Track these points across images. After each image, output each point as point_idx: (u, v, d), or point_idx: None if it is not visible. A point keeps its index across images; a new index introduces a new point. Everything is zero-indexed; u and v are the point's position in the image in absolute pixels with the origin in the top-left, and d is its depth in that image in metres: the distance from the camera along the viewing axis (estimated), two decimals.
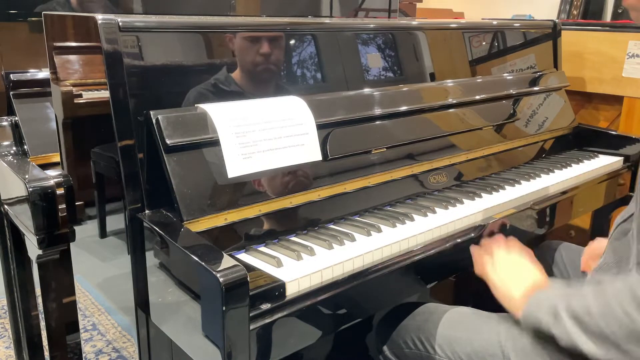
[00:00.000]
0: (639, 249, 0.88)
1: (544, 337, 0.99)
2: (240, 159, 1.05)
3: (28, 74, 1.55)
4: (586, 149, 1.87)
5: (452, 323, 1.14)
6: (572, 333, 0.89)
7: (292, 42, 1.25)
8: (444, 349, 1.11)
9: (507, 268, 1.10)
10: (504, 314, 1.13)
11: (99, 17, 0.97)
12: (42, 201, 1.10)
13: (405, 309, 1.22)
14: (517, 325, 1.07)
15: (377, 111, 1.32)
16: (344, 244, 1.07)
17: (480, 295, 1.14)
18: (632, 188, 1.76)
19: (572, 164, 1.69)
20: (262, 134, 1.09)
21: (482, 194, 1.37)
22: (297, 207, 1.13)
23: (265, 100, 1.14)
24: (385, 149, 1.31)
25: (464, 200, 1.32)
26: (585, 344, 0.87)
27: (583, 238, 1.97)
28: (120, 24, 0.98)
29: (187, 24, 1.09)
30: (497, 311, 1.15)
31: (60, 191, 1.13)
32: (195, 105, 1.07)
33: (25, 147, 1.40)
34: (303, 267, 0.97)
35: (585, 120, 2.06)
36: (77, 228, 1.20)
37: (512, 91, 1.71)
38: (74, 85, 1.23)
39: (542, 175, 1.56)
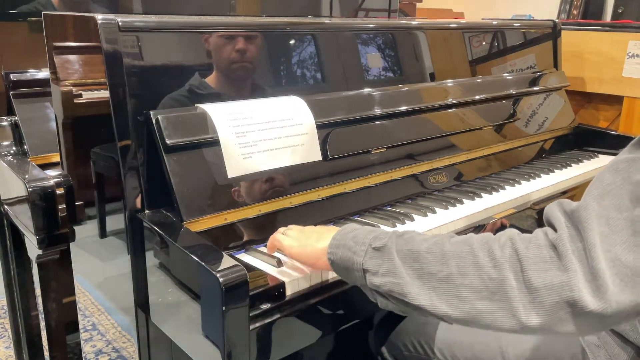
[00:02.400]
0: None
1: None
2: (240, 159, 1.05)
3: (28, 74, 1.54)
4: (586, 149, 1.87)
5: (452, 326, 1.13)
6: (399, 269, 0.75)
7: (292, 42, 1.25)
8: (444, 352, 1.11)
9: (302, 233, 0.96)
10: None
11: (99, 17, 0.97)
12: (42, 201, 1.10)
13: None
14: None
15: (377, 111, 1.32)
16: None
17: None
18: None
19: (572, 164, 1.69)
20: (262, 134, 1.09)
21: (482, 194, 1.37)
22: (297, 207, 1.13)
23: (265, 100, 1.14)
24: (385, 149, 1.31)
25: (464, 200, 1.32)
26: (413, 286, 0.73)
27: None
28: (120, 24, 0.98)
29: (187, 24, 1.09)
30: None
31: (60, 191, 1.13)
32: (195, 105, 1.07)
33: (25, 147, 1.40)
34: (303, 267, 0.97)
35: (585, 120, 2.06)
36: (77, 228, 1.20)
37: (512, 91, 1.71)
38: (74, 85, 1.23)
39: (542, 175, 1.56)
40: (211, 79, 1.12)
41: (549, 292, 0.62)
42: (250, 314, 0.84)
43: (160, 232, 0.93)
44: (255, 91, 1.18)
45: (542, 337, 1.04)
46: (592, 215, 0.64)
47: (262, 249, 1.05)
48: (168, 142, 0.98)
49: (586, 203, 0.66)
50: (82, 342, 1.80)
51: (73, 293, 1.28)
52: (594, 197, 0.66)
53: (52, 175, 1.15)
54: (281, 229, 1.01)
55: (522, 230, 0.90)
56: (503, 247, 0.68)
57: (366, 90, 1.35)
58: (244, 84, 1.17)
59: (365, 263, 0.78)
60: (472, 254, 0.69)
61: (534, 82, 1.81)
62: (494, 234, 0.73)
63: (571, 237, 0.64)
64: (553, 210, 0.70)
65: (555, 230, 0.67)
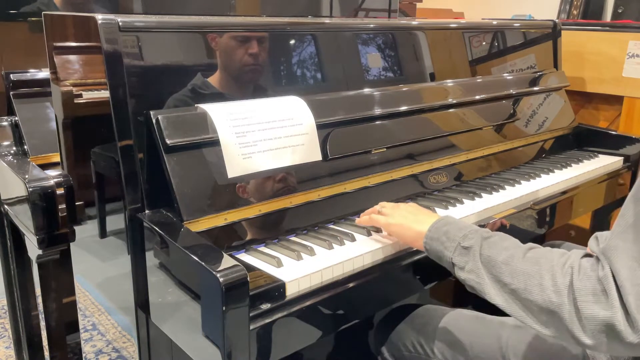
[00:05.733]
0: (613, 234, 0.79)
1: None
2: (240, 159, 1.05)
3: (28, 74, 1.54)
4: (586, 149, 1.87)
5: (452, 326, 1.13)
6: (481, 271, 0.87)
7: (292, 42, 1.25)
8: (444, 352, 1.11)
9: (401, 212, 1.07)
10: (505, 318, 1.13)
11: (99, 17, 0.97)
12: (42, 201, 1.10)
13: (405, 311, 1.22)
14: (519, 330, 1.07)
15: (377, 111, 1.32)
16: (344, 244, 1.07)
17: (480, 296, 1.14)
18: (632, 188, 1.76)
19: (572, 164, 1.69)
20: (262, 134, 1.09)
21: (482, 194, 1.37)
22: (297, 207, 1.13)
23: (265, 100, 1.14)
24: (385, 149, 1.31)
25: (464, 200, 1.32)
26: (491, 288, 0.85)
27: (583, 238, 1.96)
28: (120, 24, 0.98)
29: (187, 24, 1.09)
30: (497, 314, 1.15)
31: (60, 191, 1.13)
32: (195, 105, 1.07)
33: (25, 147, 1.40)
34: (303, 267, 0.97)
35: (585, 120, 2.06)
36: (77, 228, 1.20)
37: (512, 91, 1.71)
38: (74, 85, 1.23)
39: (542, 175, 1.56)
40: (213, 79, 1.12)
41: (595, 322, 0.73)
42: (250, 314, 0.84)
43: (161, 232, 0.93)
44: (255, 91, 1.18)
45: (542, 338, 1.04)
46: (618, 253, 0.73)
47: (262, 248, 1.05)
48: (168, 142, 0.98)
49: (612, 242, 0.75)
50: (82, 342, 1.80)
51: (73, 293, 1.28)
52: (617, 234, 0.75)
53: (52, 175, 1.15)
54: (376, 207, 1.12)
55: (523, 230, 0.90)
56: (564, 275, 0.77)
57: (366, 90, 1.35)
58: (245, 84, 1.17)
59: (454, 258, 0.92)
60: (539, 276, 0.79)
61: (534, 82, 1.81)
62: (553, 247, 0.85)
63: (607, 275, 0.73)
64: (592, 244, 0.80)
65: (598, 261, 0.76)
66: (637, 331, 0.70)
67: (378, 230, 1.12)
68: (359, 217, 1.22)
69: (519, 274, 0.81)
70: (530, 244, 0.88)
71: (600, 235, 0.80)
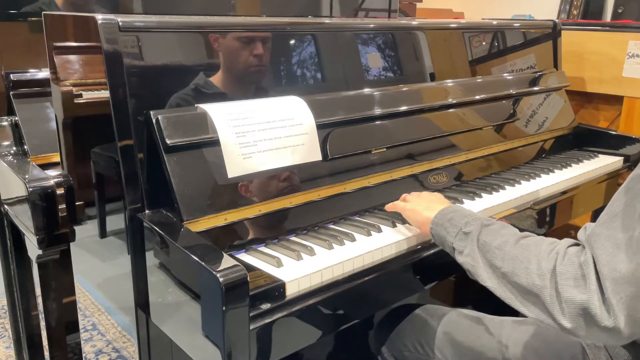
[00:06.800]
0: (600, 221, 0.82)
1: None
2: (240, 159, 1.05)
3: (28, 74, 1.54)
4: (586, 149, 1.87)
5: (452, 326, 1.14)
6: (476, 255, 0.92)
7: (292, 42, 1.25)
8: (444, 352, 1.11)
9: (419, 200, 1.14)
10: (505, 318, 1.13)
11: (99, 17, 0.97)
12: (42, 201, 1.10)
13: (405, 311, 1.22)
14: (519, 330, 1.07)
15: (377, 111, 1.32)
16: (344, 244, 1.07)
17: (480, 296, 1.14)
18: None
19: (572, 164, 1.69)
20: (262, 134, 1.09)
21: (482, 194, 1.37)
22: (297, 207, 1.13)
23: (265, 100, 1.14)
24: (385, 149, 1.31)
25: (464, 200, 1.32)
26: (484, 271, 0.90)
27: None
28: (120, 24, 0.98)
29: (187, 24, 1.09)
30: (497, 314, 1.15)
31: (60, 191, 1.13)
32: (195, 105, 1.07)
33: (25, 147, 1.40)
34: (303, 267, 0.97)
35: (585, 120, 2.06)
36: (77, 228, 1.20)
37: (512, 91, 1.71)
38: (74, 85, 1.23)
39: (542, 175, 1.56)
40: (213, 79, 1.12)
41: (573, 305, 0.76)
42: (250, 314, 0.84)
43: (161, 232, 0.93)
44: (255, 91, 1.18)
45: (542, 337, 1.04)
46: (601, 240, 0.76)
47: (262, 248, 1.05)
48: (168, 142, 0.98)
49: (596, 229, 0.78)
50: (82, 342, 1.80)
51: (73, 293, 1.28)
52: (603, 222, 0.78)
53: (52, 175, 1.15)
54: (406, 196, 1.20)
55: (523, 230, 0.91)
56: (549, 260, 0.81)
57: (366, 90, 1.35)
58: (245, 84, 1.17)
59: (454, 243, 0.97)
60: (527, 260, 0.83)
61: (534, 82, 1.81)
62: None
63: (588, 261, 0.76)
64: (580, 233, 0.83)
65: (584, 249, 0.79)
66: (612, 315, 0.73)
67: (378, 230, 1.13)
68: (359, 216, 1.22)
69: (509, 259, 0.86)
70: (526, 232, 0.92)
71: (589, 225, 0.82)
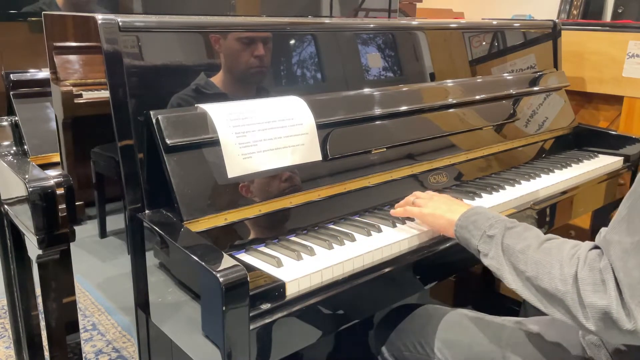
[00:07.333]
0: (612, 227, 0.84)
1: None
2: (240, 159, 1.05)
3: (28, 74, 1.54)
4: (586, 149, 1.87)
5: (452, 326, 1.14)
6: (501, 259, 0.93)
7: (292, 42, 1.25)
8: (444, 352, 1.11)
9: (436, 203, 1.13)
10: (505, 318, 1.13)
11: (99, 17, 0.97)
12: (42, 201, 1.10)
13: (405, 311, 1.22)
14: (519, 330, 1.07)
15: (377, 111, 1.32)
16: (344, 244, 1.07)
17: (480, 296, 1.14)
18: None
19: (572, 164, 1.69)
20: (262, 134, 1.09)
21: (482, 194, 1.37)
22: (297, 207, 1.13)
23: (265, 100, 1.14)
24: (385, 149, 1.31)
25: (464, 200, 1.32)
26: (509, 274, 0.91)
27: (583, 238, 1.96)
28: (120, 24, 0.98)
29: (187, 24, 1.09)
30: (497, 314, 1.15)
31: (60, 191, 1.13)
32: (195, 105, 1.07)
33: (25, 147, 1.40)
34: (303, 267, 0.97)
35: (585, 120, 2.06)
36: (77, 228, 1.20)
37: (512, 91, 1.71)
38: (74, 85, 1.23)
39: (542, 175, 1.56)
40: (214, 79, 1.12)
41: (595, 310, 0.78)
42: (250, 314, 0.84)
43: (161, 232, 0.93)
44: (255, 90, 1.18)
45: (542, 337, 1.05)
46: (612, 246, 0.78)
47: (262, 248, 1.05)
48: (168, 142, 0.98)
49: (607, 236, 0.80)
50: (82, 342, 1.80)
51: (73, 293, 1.28)
52: (612, 228, 0.80)
53: (52, 175, 1.15)
54: (410, 198, 1.19)
55: None
56: (571, 265, 0.82)
57: (366, 90, 1.35)
58: (245, 84, 1.17)
59: (479, 246, 0.98)
60: (550, 265, 0.85)
61: (534, 82, 1.81)
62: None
63: (607, 266, 0.78)
64: (597, 239, 0.84)
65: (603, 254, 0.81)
66: (632, 319, 0.75)
67: (378, 230, 1.13)
68: (359, 216, 1.22)
69: (532, 263, 0.87)
70: (549, 235, 0.93)
71: (603, 230, 0.84)
